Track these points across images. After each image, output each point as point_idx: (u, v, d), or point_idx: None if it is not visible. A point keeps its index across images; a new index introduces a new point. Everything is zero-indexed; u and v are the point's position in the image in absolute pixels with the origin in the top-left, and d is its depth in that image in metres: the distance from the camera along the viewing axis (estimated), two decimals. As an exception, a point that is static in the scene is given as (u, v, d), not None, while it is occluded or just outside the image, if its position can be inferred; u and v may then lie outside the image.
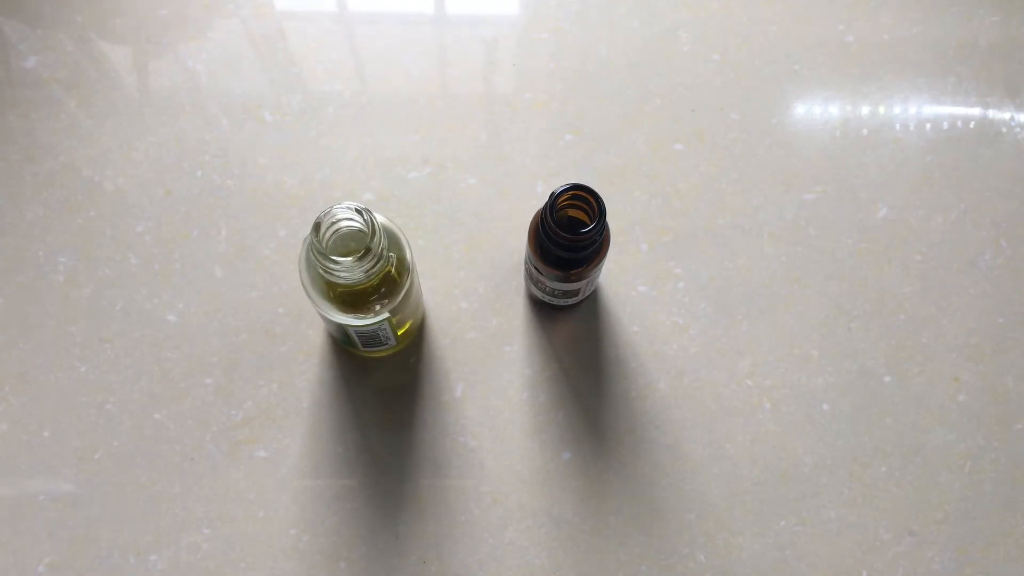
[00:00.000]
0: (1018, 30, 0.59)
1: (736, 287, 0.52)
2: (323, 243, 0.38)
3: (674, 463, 0.49)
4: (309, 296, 0.42)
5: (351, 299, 0.42)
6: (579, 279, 0.45)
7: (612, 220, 0.53)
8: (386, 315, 0.43)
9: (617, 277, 0.52)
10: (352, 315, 0.42)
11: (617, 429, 0.49)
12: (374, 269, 0.39)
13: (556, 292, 0.47)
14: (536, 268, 0.46)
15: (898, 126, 0.56)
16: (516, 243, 0.53)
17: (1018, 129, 0.57)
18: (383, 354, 0.50)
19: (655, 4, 0.59)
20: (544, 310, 0.52)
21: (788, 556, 0.48)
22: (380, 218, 0.41)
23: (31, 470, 0.48)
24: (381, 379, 0.50)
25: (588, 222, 0.42)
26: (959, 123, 0.57)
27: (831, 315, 0.52)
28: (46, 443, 0.49)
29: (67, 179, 0.54)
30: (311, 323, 0.51)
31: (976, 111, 0.57)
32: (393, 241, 0.43)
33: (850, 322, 0.52)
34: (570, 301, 0.50)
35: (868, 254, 0.53)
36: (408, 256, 0.43)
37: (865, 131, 0.56)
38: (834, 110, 0.57)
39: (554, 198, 0.42)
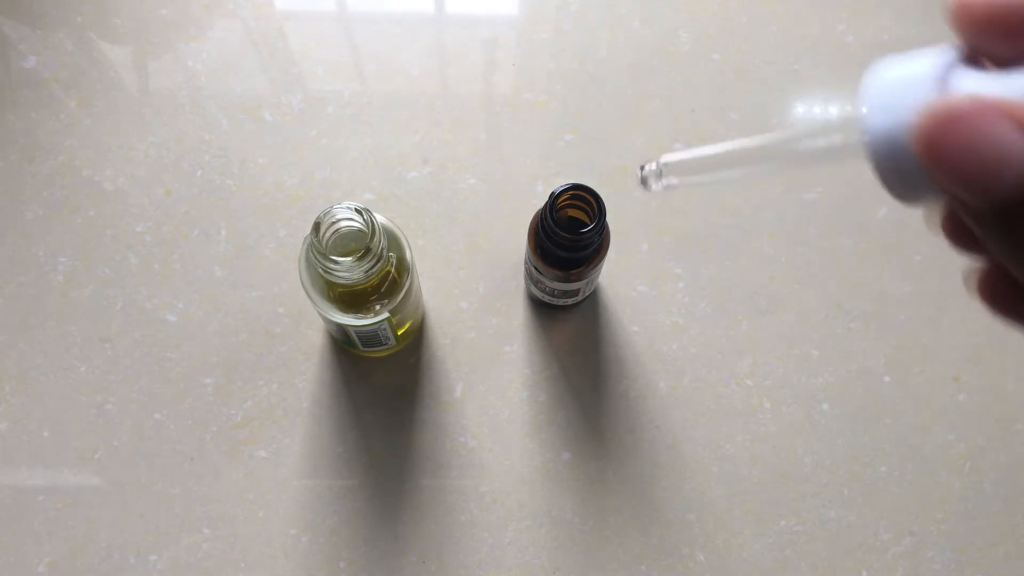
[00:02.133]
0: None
1: (736, 287, 0.52)
2: (323, 243, 0.38)
3: (674, 463, 0.49)
4: (309, 296, 0.42)
5: (351, 299, 0.42)
6: (579, 279, 0.45)
7: (612, 220, 0.53)
8: (386, 315, 0.43)
9: (617, 277, 0.52)
10: (352, 315, 0.42)
11: (617, 429, 0.49)
12: (374, 269, 0.39)
13: (556, 292, 0.47)
14: (536, 268, 0.46)
15: (898, 126, 0.56)
16: (516, 243, 0.53)
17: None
18: (383, 354, 0.50)
19: (655, 4, 0.59)
20: (544, 310, 0.52)
21: (788, 556, 0.48)
22: (380, 218, 0.41)
23: (31, 470, 0.48)
24: (381, 379, 0.50)
25: (588, 222, 0.42)
26: (959, 123, 0.57)
27: (831, 315, 0.52)
28: (46, 443, 0.49)
29: (67, 179, 0.54)
30: (311, 323, 0.51)
31: (976, 111, 0.57)
32: (393, 241, 0.43)
33: (850, 322, 0.52)
34: (570, 301, 0.50)
35: (868, 254, 0.53)
36: (408, 256, 0.43)
37: (865, 131, 0.56)
38: (834, 110, 0.57)
39: (554, 198, 0.42)
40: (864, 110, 0.16)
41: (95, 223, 0.53)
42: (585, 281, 0.46)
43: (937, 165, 0.14)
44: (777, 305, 0.52)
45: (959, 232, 0.18)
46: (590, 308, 0.52)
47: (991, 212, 0.14)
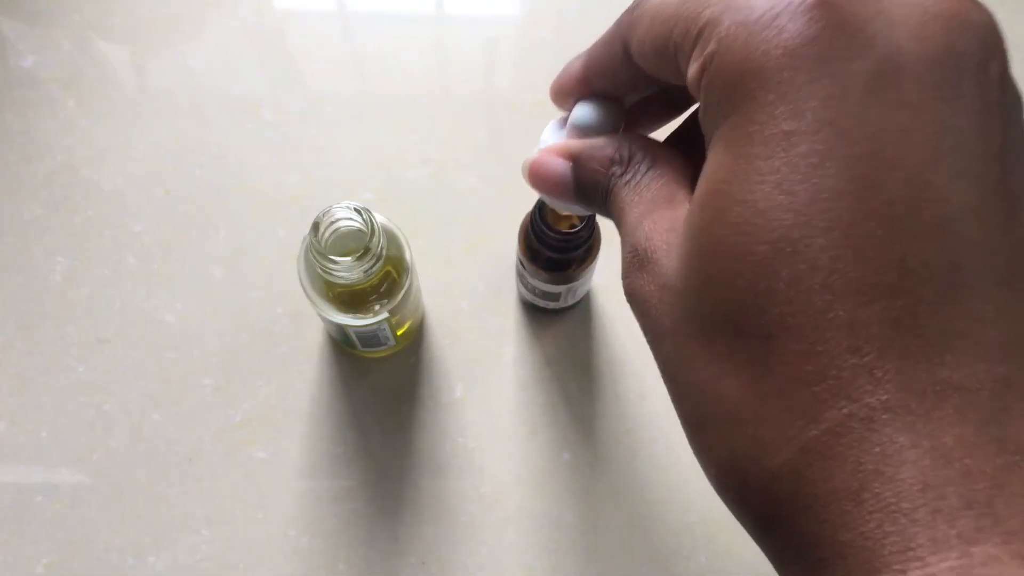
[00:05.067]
0: (1018, 30, 0.59)
1: (737, 287, 0.52)
2: (322, 243, 0.38)
3: (675, 464, 0.49)
4: (308, 296, 0.42)
5: (350, 299, 0.42)
6: (568, 281, 0.45)
7: (612, 220, 0.52)
8: (385, 315, 0.43)
9: (618, 277, 0.52)
10: (351, 315, 0.42)
11: (617, 430, 0.49)
12: (373, 269, 0.39)
13: (538, 292, 0.47)
14: (524, 267, 0.45)
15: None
16: (516, 243, 0.53)
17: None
18: (382, 354, 0.50)
19: (655, 4, 0.59)
20: (538, 312, 0.51)
21: (789, 557, 0.47)
22: (379, 218, 0.40)
23: (29, 471, 0.48)
24: (380, 380, 0.50)
25: (577, 223, 0.42)
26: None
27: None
28: (44, 444, 0.48)
29: (65, 179, 0.53)
30: (311, 323, 0.51)
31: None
32: (392, 241, 0.42)
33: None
34: (551, 304, 0.49)
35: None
36: (407, 256, 0.43)
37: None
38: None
39: (543, 200, 0.41)
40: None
41: (93, 223, 0.52)
42: (566, 287, 0.46)
43: (540, 191, 0.24)
44: (778, 305, 0.52)
45: None
46: (591, 308, 0.52)
47: (580, 206, 0.23)
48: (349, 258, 0.38)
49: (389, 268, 0.42)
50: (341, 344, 0.50)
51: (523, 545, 0.47)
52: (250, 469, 0.48)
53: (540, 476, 0.48)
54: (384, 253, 0.39)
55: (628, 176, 0.21)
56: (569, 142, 0.23)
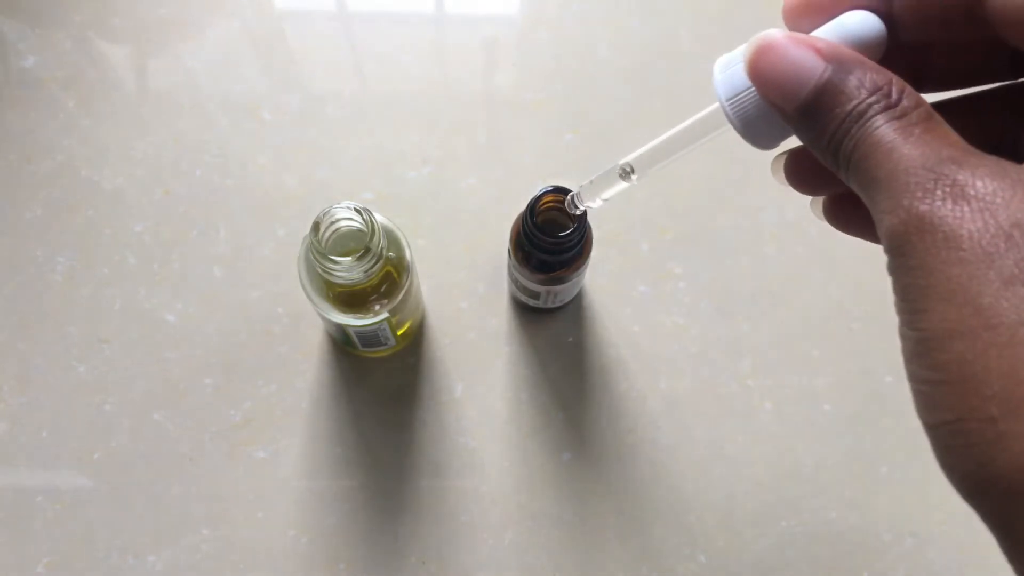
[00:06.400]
0: None
1: (737, 287, 0.52)
2: (322, 243, 0.38)
3: (675, 464, 0.49)
4: (308, 296, 0.42)
5: (350, 299, 0.42)
6: (558, 283, 0.45)
7: (612, 220, 0.53)
8: (385, 315, 0.43)
9: (617, 277, 0.52)
10: (351, 315, 0.42)
11: (617, 429, 0.49)
12: (373, 269, 0.39)
13: (528, 292, 0.47)
14: (515, 268, 0.45)
15: (899, 126, 0.56)
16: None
17: (1019, 129, 0.57)
18: (383, 354, 0.50)
19: (655, 4, 0.59)
20: (535, 312, 0.51)
21: (789, 557, 0.47)
22: (379, 218, 0.40)
23: (29, 471, 0.48)
24: (381, 379, 0.50)
25: (569, 224, 0.42)
26: (960, 123, 0.56)
27: (832, 315, 0.52)
28: (44, 443, 0.48)
29: (65, 179, 0.53)
30: (311, 323, 0.51)
31: (977, 111, 0.57)
32: (392, 241, 0.42)
33: (851, 322, 0.52)
34: (540, 303, 0.49)
35: (869, 254, 0.53)
36: (408, 256, 0.43)
37: (866, 131, 0.56)
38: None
39: (535, 201, 0.41)
40: (716, 75, 0.21)
41: (94, 223, 0.53)
42: (556, 288, 0.46)
43: (760, 79, 0.20)
44: (778, 305, 0.52)
45: (793, 166, 0.26)
46: (590, 308, 0.52)
47: (796, 113, 0.19)
48: (349, 258, 0.38)
49: (389, 268, 0.42)
50: (341, 344, 0.50)
51: (523, 544, 0.47)
52: (250, 469, 0.48)
53: (540, 475, 0.48)
54: (384, 253, 0.39)
55: (895, 112, 0.18)
56: (834, 43, 0.19)
